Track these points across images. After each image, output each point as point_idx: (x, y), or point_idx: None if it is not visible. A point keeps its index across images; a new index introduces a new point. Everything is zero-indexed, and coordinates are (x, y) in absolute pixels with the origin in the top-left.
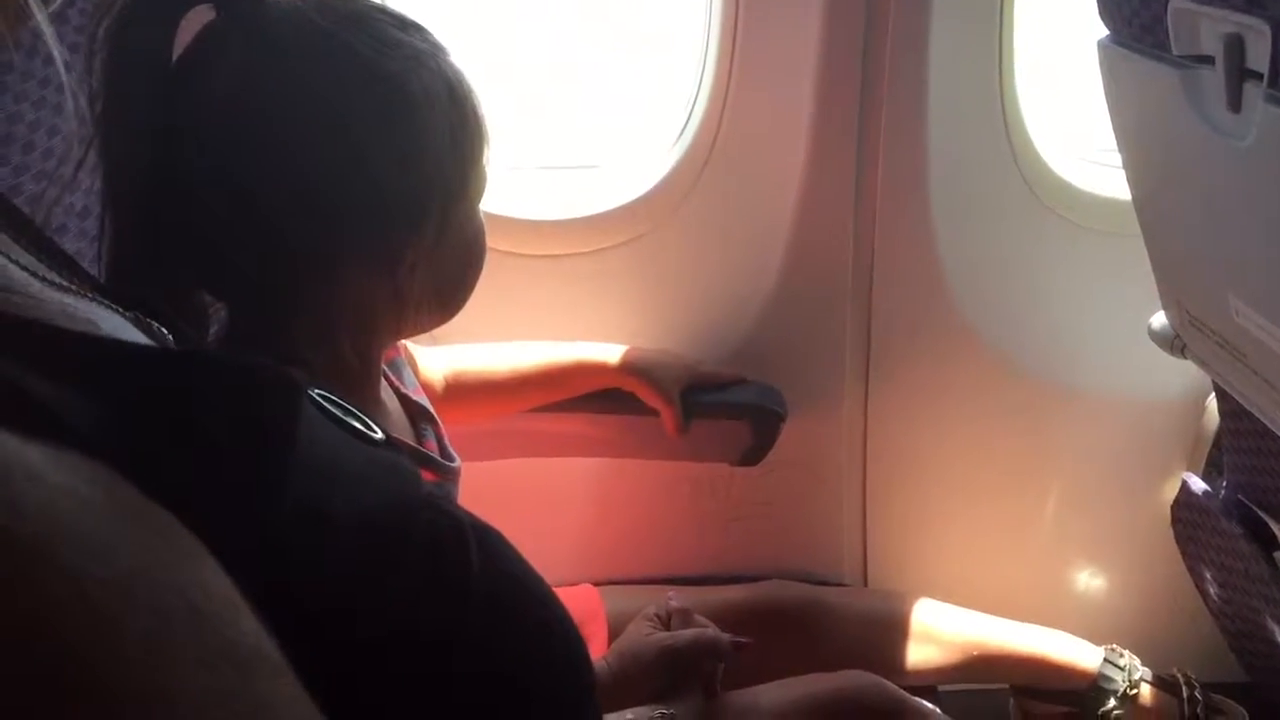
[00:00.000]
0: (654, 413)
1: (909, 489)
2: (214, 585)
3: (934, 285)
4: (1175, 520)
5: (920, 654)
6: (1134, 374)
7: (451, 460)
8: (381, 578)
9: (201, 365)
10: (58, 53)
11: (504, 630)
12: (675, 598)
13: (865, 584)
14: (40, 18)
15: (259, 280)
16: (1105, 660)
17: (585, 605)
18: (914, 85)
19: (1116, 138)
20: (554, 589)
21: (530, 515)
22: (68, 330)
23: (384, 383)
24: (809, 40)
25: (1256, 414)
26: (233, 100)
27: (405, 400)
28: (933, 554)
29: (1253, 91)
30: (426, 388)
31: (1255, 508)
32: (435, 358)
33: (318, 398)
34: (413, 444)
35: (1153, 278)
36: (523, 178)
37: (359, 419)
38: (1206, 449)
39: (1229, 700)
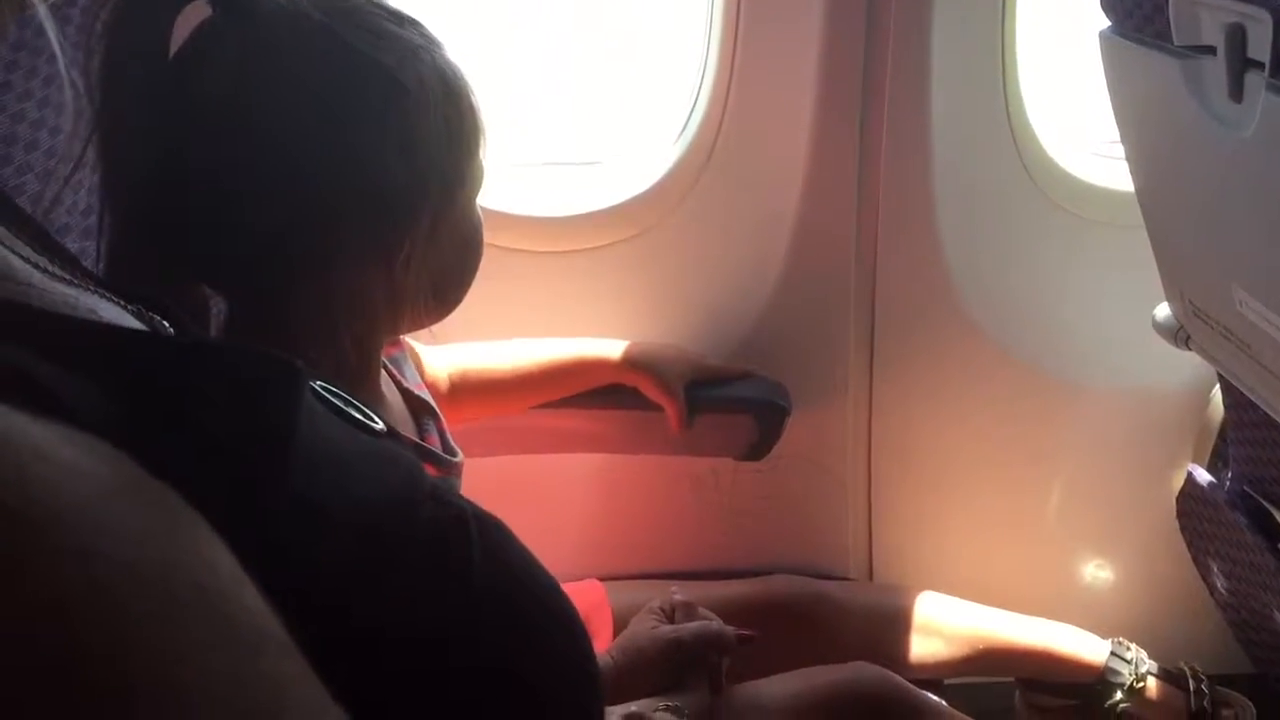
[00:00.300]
0: (658, 408)
1: (914, 483)
2: (221, 564)
3: (937, 279)
4: (1180, 512)
5: (926, 648)
6: (1138, 366)
7: (453, 454)
8: (383, 568)
9: (204, 353)
10: (59, 49)
11: (507, 622)
12: (679, 592)
13: (870, 578)
14: (43, 11)
15: (256, 274)
16: (1112, 653)
17: (590, 600)
18: (916, 79)
19: (1119, 129)
20: (560, 583)
21: (535, 510)
22: (70, 317)
23: (385, 377)
24: (811, 35)
25: (1261, 405)
26: (228, 96)
27: (407, 394)
28: (938, 548)
29: (1254, 81)
30: (431, 388)
31: (1260, 499)
32: (439, 358)
33: (318, 389)
34: (414, 438)
35: (1156, 270)
36: (525, 174)
37: (360, 410)
38: (1212, 441)
39: (1236, 693)
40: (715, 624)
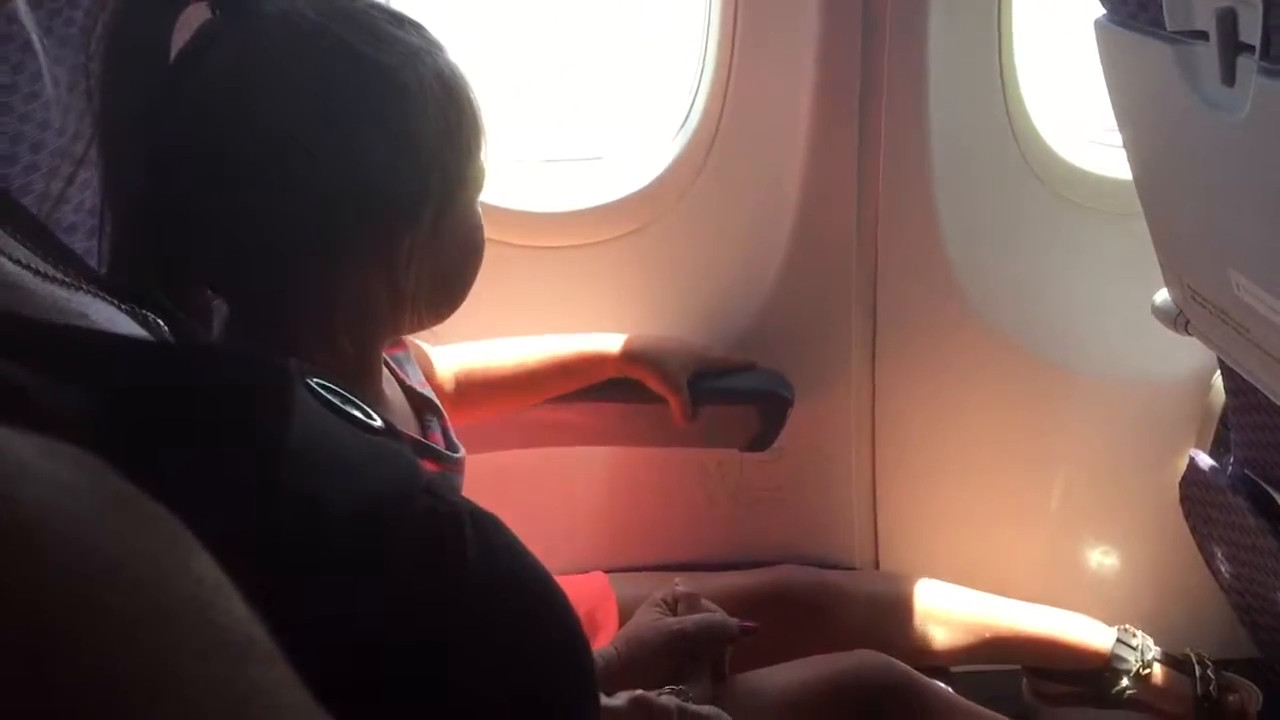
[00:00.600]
0: (662, 401)
1: (918, 471)
2: (204, 572)
3: (938, 269)
4: (1184, 498)
5: (932, 636)
6: (1140, 353)
7: (455, 451)
8: (378, 561)
9: (193, 355)
10: (40, 48)
11: (501, 615)
12: (682, 583)
13: (876, 567)
14: (22, 9)
15: (254, 275)
16: (1118, 640)
17: (596, 592)
18: (914, 69)
19: (1115, 116)
20: (565, 576)
21: (540, 504)
22: (55, 323)
23: (388, 375)
24: (809, 26)
25: (1260, 388)
26: (227, 97)
27: (410, 392)
28: (943, 536)
29: (1246, 64)
30: (438, 389)
31: (1262, 483)
32: (444, 358)
33: (316, 386)
34: (415, 436)
35: (1156, 256)
36: (526, 170)
37: (358, 407)
38: (1214, 426)
39: (1242, 678)
40: (718, 615)
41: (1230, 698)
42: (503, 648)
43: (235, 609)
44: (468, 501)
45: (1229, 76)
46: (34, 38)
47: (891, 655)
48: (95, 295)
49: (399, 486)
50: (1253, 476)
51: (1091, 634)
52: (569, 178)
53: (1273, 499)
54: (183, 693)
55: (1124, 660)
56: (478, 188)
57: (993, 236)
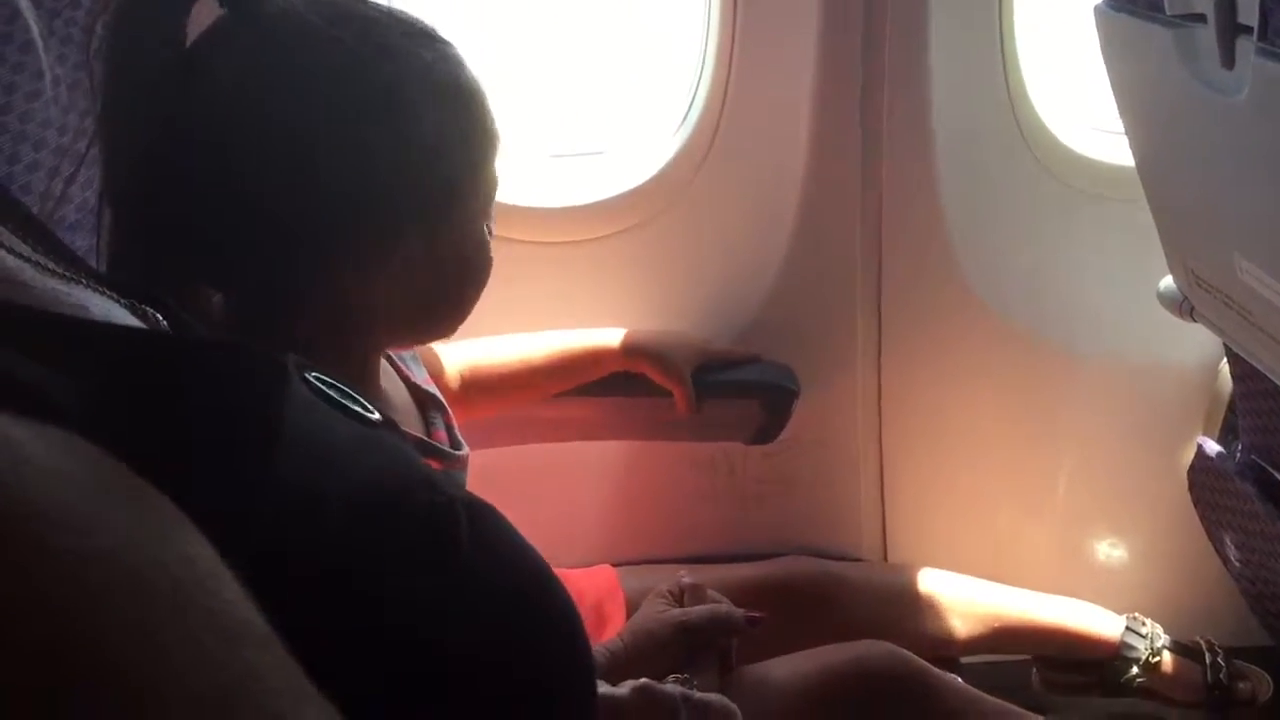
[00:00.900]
0: (667, 394)
1: (926, 462)
2: (199, 558)
3: (943, 258)
4: (1192, 485)
5: (941, 626)
6: (1147, 340)
7: (459, 448)
8: (376, 551)
9: (188, 346)
10: (40, 45)
11: (498, 606)
12: (687, 574)
13: (884, 559)
14: (25, 5)
15: (245, 273)
16: (1127, 629)
17: (603, 586)
18: (916, 57)
19: (1117, 102)
20: (572, 570)
21: (546, 500)
22: (54, 313)
23: (393, 372)
24: (809, 15)
25: (1266, 373)
26: (231, 98)
27: (414, 389)
28: (951, 526)
29: (1245, 46)
30: (442, 386)
31: (1270, 469)
32: (448, 355)
33: (314, 380)
34: (418, 434)
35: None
36: (528, 166)
37: (357, 402)
38: (1222, 413)
39: (1252, 665)
40: (724, 606)
41: (1241, 685)
42: (499, 637)
43: (230, 593)
44: (466, 493)
45: (1228, 59)
46: (35, 36)
47: (900, 646)
48: (94, 290)
49: (396, 479)
50: (1261, 463)
51: (1101, 623)
52: (571, 172)
53: None
54: (171, 671)
55: (1133, 649)
56: (482, 201)
57: (997, 224)
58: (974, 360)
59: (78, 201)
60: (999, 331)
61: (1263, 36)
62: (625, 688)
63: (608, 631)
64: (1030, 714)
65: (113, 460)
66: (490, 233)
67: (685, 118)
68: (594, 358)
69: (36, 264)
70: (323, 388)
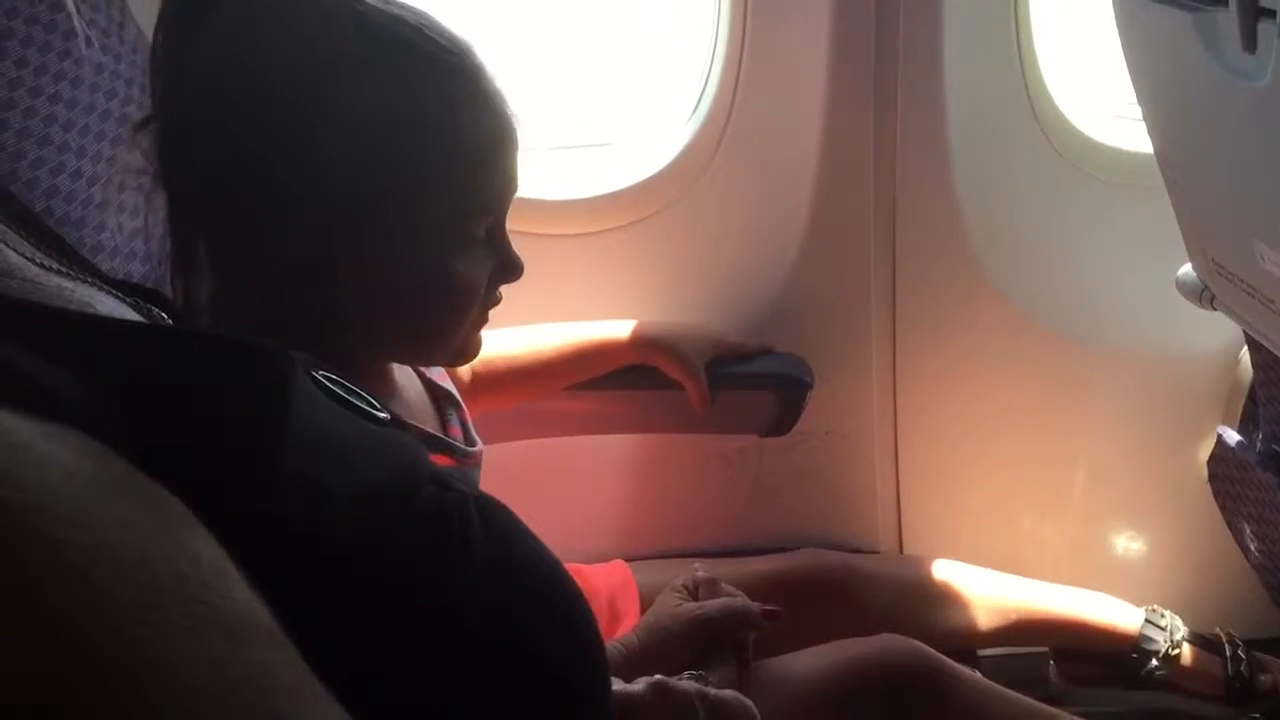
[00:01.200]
0: (679, 387)
1: (941, 454)
2: (204, 554)
3: (958, 248)
4: (1212, 475)
5: (959, 619)
6: (1166, 329)
7: (473, 445)
8: (382, 545)
9: (196, 342)
10: (79, 26)
11: (507, 599)
12: (702, 568)
13: (900, 552)
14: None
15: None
16: (1146, 621)
17: (617, 581)
18: (930, 45)
19: (1135, 88)
20: (585, 565)
21: (560, 494)
22: (61, 309)
23: (408, 368)
24: (822, 6)
25: None
26: (208, 77)
27: (429, 385)
28: (968, 518)
29: (1267, 30)
30: (455, 381)
31: None
32: None
33: (321, 378)
34: (433, 430)
35: (1179, 231)
36: (539, 158)
37: (364, 399)
38: (1242, 402)
39: (1273, 658)
40: (740, 599)
41: (1261, 678)
42: (510, 631)
43: (237, 592)
44: (477, 490)
45: (1250, 43)
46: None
47: (917, 638)
48: (99, 288)
49: (403, 475)
50: None
51: (1119, 615)
52: (581, 164)
53: None
54: (170, 667)
55: (1152, 641)
56: (481, 212)
57: (1012, 213)
58: (989, 350)
59: (115, 205)
60: (1014, 321)
61: None
62: (640, 685)
63: (622, 627)
64: (1048, 707)
65: (116, 456)
66: (478, 259)
67: (696, 107)
68: (606, 351)
69: (39, 263)
70: (330, 385)
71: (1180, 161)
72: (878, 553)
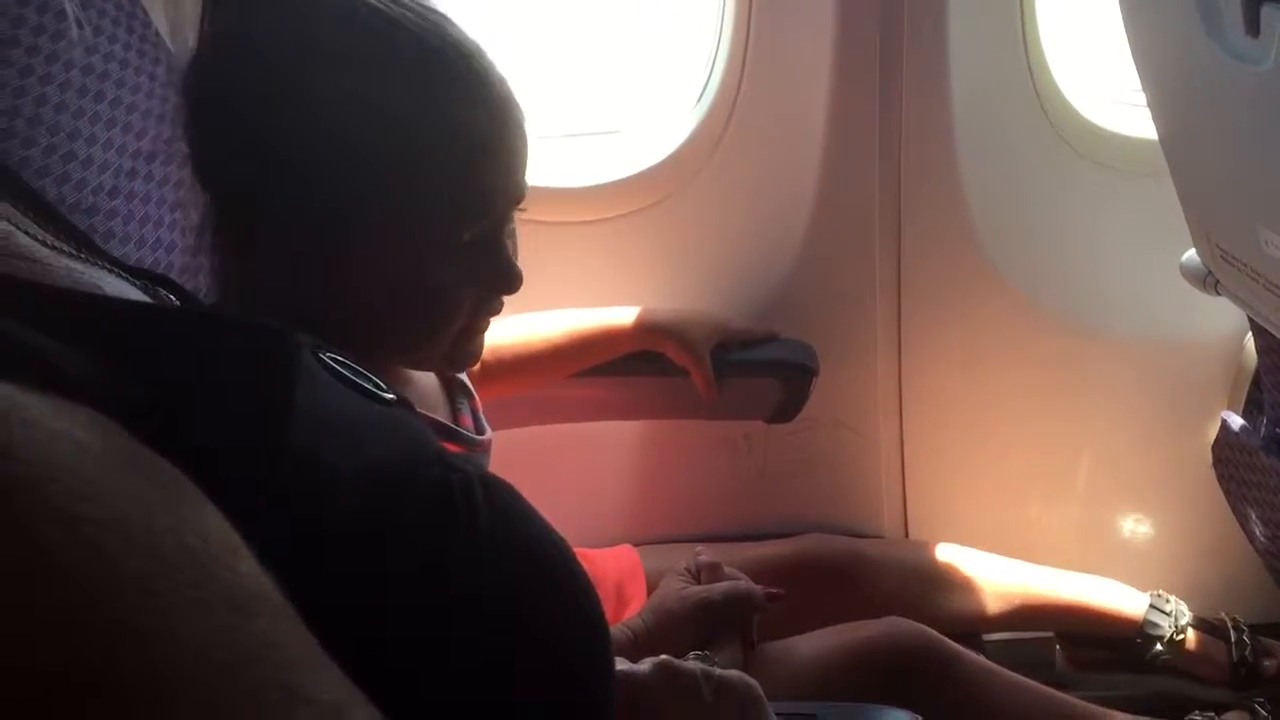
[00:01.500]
0: (685, 373)
1: (946, 440)
2: (211, 529)
3: (963, 233)
4: (1216, 460)
5: (964, 603)
6: (1170, 315)
7: (482, 432)
8: (387, 523)
9: (203, 321)
10: (69, 9)
11: (513, 578)
12: (704, 552)
13: (906, 536)
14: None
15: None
16: (1151, 606)
17: (624, 565)
18: (934, 31)
19: (1138, 74)
20: (593, 550)
21: (567, 479)
22: (69, 290)
23: None
24: None
25: None
26: (212, 68)
27: (441, 373)
28: (973, 504)
29: (1270, 14)
30: None
31: None
32: None
33: (328, 359)
34: (444, 419)
35: (1184, 216)
36: (545, 145)
37: (371, 381)
38: (1246, 387)
39: (1278, 642)
40: (744, 583)
41: (1266, 662)
42: (514, 606)
43: (244, 566)
44: (482, 469)
45: (1253, 27)
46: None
47: (922, 622)
48: (107, 269)
49: (407, 454)
50: None
51: (1124, 599)
52: (588, 152)
53: None
54: (177, 638)
55: (1157, 626)
56: (478, 213)
57: (1017, 199)
58: (994, 336)
59: (140, 195)
60: (1019, 306)
61: None
62: (646, 664)
63: (629, 612)
64: (1053, 691)
65: (126, 433)
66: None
67: (702, 95)
68: (612, 337)
69: (49, 245)
70: (336, 366)
71: (1183, 147)
72: (883, 538)
